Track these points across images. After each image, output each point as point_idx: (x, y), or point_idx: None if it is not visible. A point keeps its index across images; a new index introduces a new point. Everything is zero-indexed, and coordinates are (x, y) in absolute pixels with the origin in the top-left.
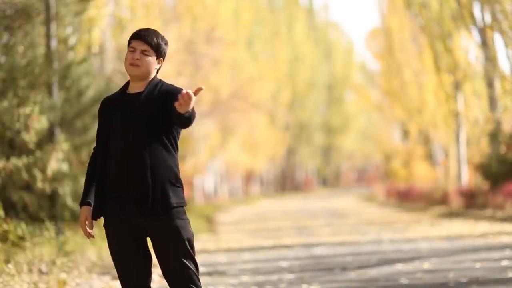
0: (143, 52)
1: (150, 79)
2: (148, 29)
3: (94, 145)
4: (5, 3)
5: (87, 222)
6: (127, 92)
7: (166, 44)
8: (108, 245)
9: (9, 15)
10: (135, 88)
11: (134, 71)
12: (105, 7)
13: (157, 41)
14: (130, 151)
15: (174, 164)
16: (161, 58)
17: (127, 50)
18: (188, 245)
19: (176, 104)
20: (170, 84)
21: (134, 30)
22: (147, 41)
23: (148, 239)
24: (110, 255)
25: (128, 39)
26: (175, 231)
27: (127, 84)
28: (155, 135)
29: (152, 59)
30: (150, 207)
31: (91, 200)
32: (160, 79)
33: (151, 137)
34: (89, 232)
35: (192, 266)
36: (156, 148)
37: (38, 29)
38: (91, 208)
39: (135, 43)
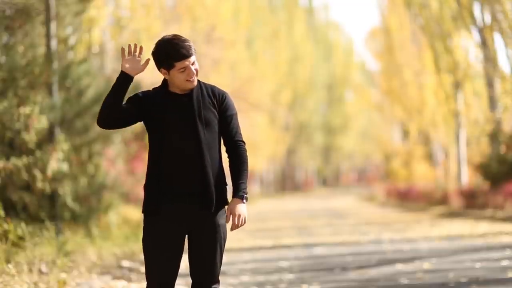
0: (192, 65)
1: None
2: (181, 43)
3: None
4: (5, 3)
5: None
6: (172, 91)
7: (189, 40)
8: (149, 241)
9: (9, 15)
10: (180, 89)
11: (192, 84)
12: (105, 7)
13: (193, 47)
14: (191, 150)
15: (222, 164)
16: None
17: (171, 70)
18: (224, 245)
19: (229, 221)
20: (210, 84)
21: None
22: (191, 54)
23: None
24: (144, 251)
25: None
26: (221, 228)
27: (166, 84)
28: (213, 135)
29: (196, 62)
30: (210, 203)
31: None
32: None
33: (210, 136)
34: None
35: (220, 266)
36: (213, 147)
37: (38, 29)
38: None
39: (183, 63)
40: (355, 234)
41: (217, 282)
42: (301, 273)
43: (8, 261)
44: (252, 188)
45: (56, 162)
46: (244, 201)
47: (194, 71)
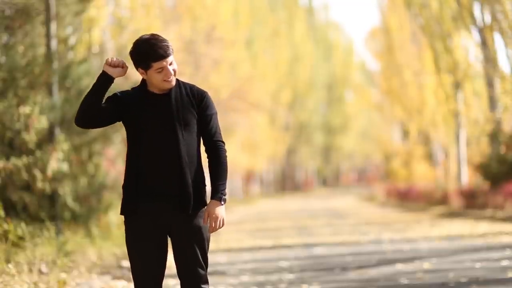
0: (170, 65)
1: None
2: (158, 43)
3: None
4: (5, 3)
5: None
6: (151, 91)
7: (166, 40)
8: (131, 240)
9: (9, 15)
10: (158, 89)
11: (170, 84)
12: (105, 7)
13: (171, 47)
14: (169, 150)
15: (202, 165)
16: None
17: (148, 70)
18: (206, 245)
19: (206, 221)
20: (189, 83)
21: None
22: (169, 54)
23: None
24: (128, 251)
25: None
26: (201, 230)
27: (145, 83)
28: (191, 135)
29: (174, 62)
30: (187, 204)
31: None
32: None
33: (188, 137)
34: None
35: (205, 267)
36: (191, 148)
37: (38, 29)
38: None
39: (160, 63)
40: (355, 234)
41: (205, 282)
42: (301, 273)
43: (8, 261)
44: (252, 188)
45: (56, 162)
46: (222, 202)
47: (172, 71)
